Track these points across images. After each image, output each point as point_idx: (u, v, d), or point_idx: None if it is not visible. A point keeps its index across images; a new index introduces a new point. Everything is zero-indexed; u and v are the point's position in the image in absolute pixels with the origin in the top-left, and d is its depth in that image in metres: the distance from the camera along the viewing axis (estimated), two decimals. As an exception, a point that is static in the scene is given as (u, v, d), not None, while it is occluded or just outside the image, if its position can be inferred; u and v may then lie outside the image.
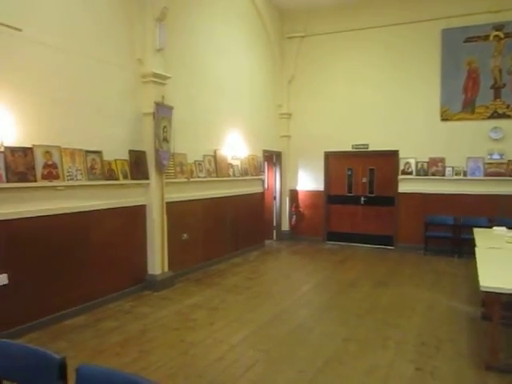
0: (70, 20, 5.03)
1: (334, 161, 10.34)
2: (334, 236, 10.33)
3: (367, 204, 10.01)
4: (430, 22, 9.01)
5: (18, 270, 4.43)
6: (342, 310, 5.40)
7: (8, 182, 4.30)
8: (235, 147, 8.47)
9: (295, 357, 4.06)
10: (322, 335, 4.59)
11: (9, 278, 4.34)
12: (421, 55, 9.20)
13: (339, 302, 5.71)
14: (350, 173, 10.18)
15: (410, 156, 9.35)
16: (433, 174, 9.11)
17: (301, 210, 10.66)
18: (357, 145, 9.92)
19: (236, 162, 8.54)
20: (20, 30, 4.45)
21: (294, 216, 10.63)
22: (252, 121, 9.21)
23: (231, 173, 8.33)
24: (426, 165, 9.20)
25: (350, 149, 10.00)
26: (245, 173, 8.82)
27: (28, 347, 2.29)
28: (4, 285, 4.30)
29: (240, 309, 5.44)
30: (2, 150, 4.29)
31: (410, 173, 9.36)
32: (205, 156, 7.59)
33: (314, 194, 10.51)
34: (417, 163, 9.30)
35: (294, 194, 10.75)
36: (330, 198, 10.40)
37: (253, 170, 9.17)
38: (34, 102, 4.63)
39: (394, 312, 5.32)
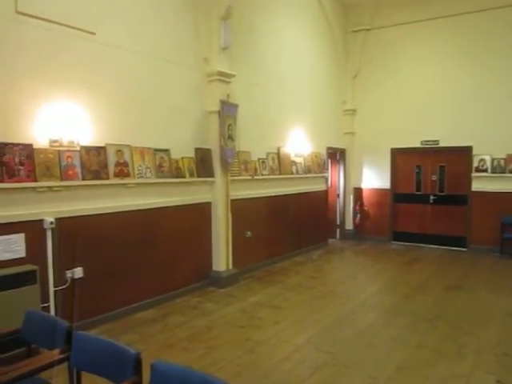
0: (140, 23, 5.18)
1: (401, 158, 9.94)
2: (400, 236, 9.94)
3: (437, 203, 9.52)
4: (509, 8, 8.38)
5: (92, 263, 4.63)
6: (412, 314, 5.15)
7: (83, 179, 4.51)
8: (298, 144, 8.36)
9: (364, 362, 3.92)
10: (391, 340, 4.40)
11: (84, 272, 4.55)
12: (497, 45, 8.57)
13: (408, 306, 5.45)
14: (418, 170, 9.73)
15: (484, 152, 8.76)
16: (510, 172, 8.48)
17: (365, 208, 10.36)
18: (426, 141, 9.46)
19: (299, 160, 8.44)
20: (94, 33, 4.65)
21: (359, 215, 10.34)
22: (315, 117, 9.05)
23: (294, 170, 8.24)
24: (502, 162, 8.58)
25: (418, 145, 9.55)
26: (308, 170, 8.69)
27: (106, 341, 2.35)
28: (80, 277, 4.51)
29: (304, 308, 5.35)
30: (78, 149, 4.50)
31: (485, 170, 8.77)
32: (268, 153, 7.56)
33: (380, 193, 10.16)
34: (492, 160, 8.69)
35: (358, 192, 10.47)
36: (397, 197, 10.01)
37: (316, 167, 9.02)
38: (107, 103, 4.81)
39: (470, 318, 4.99)
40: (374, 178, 10.25)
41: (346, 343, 4.31)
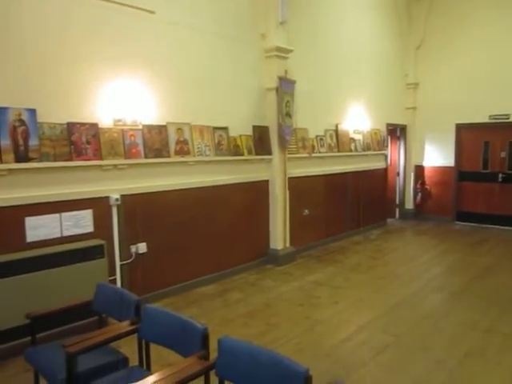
0: (196, 1, 5.14)
1: (466, 134, 9.37)
2: (464, 216, 9.45)
3: (506, 182, 8.92)
4: None
5: (155, 239, 4.76)
6: (480, 297, 4.90)
7: (146, 157, 4.60)
8: (357, 121, 8.10)
9: (430, 345, 3.77)
10: (458, 324, 4.21)
11: (147, 247, 4.69)
12: None
13: (476, 289, 5.19)
14: (485, 147, 9.15)
15: (563, 126, 8.07)
16: None
17: (427, 187, 9.92)
18: (495, 115, 8.84)
19: (358, 137, 8.18)
20: (153, 12, 4.66)
21: (420, 194, 9.93)
22: (375, 92, 8.70)
23: (353, 147, 8.01)
24: None
25: (486, 120, 8.95)
26: (367, 147, 8.42)
27: (174, 315, 2.39)
28: (144, 253, 4.66)
29: (365, 289, 5.24)
30: (141, 127, 4.58)
31: None
32: (326, 130, 7.38)
33: (443, 171, 9.68)
34: None
35: (419, 170, 10.03)
36: (462, 175, 9.49)
37: (375, 144, 8.72)
38: (167, 82, 4.84)
39: (545, 304, 4.68)
40: (437, 156, 9.77)
41: (411, 326, 4.17)
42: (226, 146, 5.50)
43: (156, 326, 2.44)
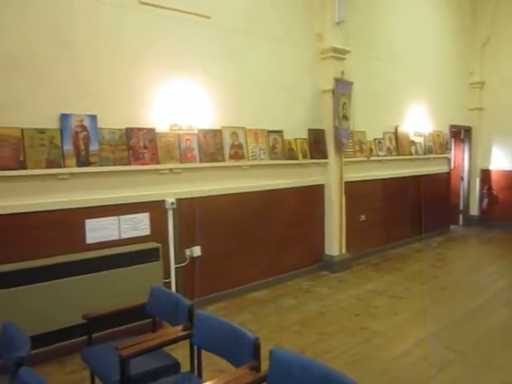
0: (252, 3, 5.13)
1: (539, 135, 8.70)
2: (537, 224, 8.78)
3: None
4: None
5: (209, 243, 4.78)
6: (557, 314, 4.49)
7: (201, 161, 4.63)
8: (418, 123, 7.75)
9: (498, 364, 3.48)
10: (531, 342, 3.87)
11: (202, 251, 4.71)
12: None
13: (551, 304, 4.77)
14: (561, 149, 8.45)
15: None
16: None
17: (494, 192, 9.31)
18: None
19: (419, 139, 7.83)
20: (209, 17, 4.70)
21: (486, 199, 9.34)
22: (437, 93, 8.28)
23: (413, 151, 7.67)
24: None
25: (563, 120, 8.27)
26: (428, 151, 8.04)
27: (226, 322, 2.35)
28: (198, 256, 4.69)
29: (426, 300, 4.96)
30: (196, 132, 4.63)
31: None
32: (385, 133, 7.12)
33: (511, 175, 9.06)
34: None
35: (485, 175, 9.43)
36: (533, 180, 8.83)
37: (437, 147, 8.30)
38: (222, 86, 4.86)
39: None
40: (506, 159, 9.14)
41: (476, 342, 3.89)
42: (281, 150, 5.43)
43: (208, 333, 2.41)
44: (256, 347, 2.15)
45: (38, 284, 3.44)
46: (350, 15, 6.08)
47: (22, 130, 3.54)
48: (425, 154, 7.92)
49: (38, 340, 3.25)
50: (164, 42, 4.37)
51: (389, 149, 7.14)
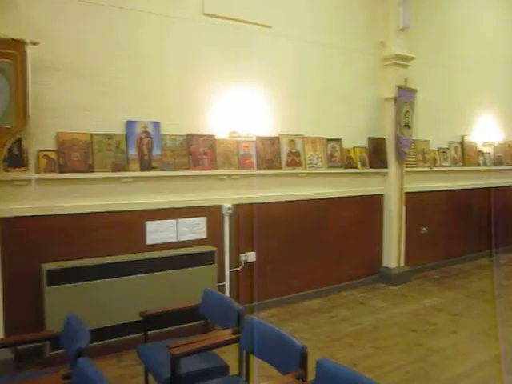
0: (313, 12, 5.14)
1: None
2: None
3: None
4: None
5: (264, 249, 4.81)
6: None
7: (258, 168, 4.70)
8: (487, 132, 7.35)
9: None
10: None
11: (256, 256, 4.76)
12: None
13: None
14: None
15: None
16: None
17: None
18: None
19: (487, 150, 7.42)
20: (270, 26, 4.78)
21: None
22: (509, 99, 7.80)
23: (481, 161, 7.27)
24: None
25: None
26: (498, 162, 7.59)
27: (274, 330, 2.37)
28: (253, 262, 4.74)
29: (490, 320, 4.67)
30: (254, 139, 4.70)
31: None
32: (450, 143, 6.82)
33: None
34: None
35: None
36: None
37: (509, 158, 7.82)
38: (281, 94, 4.90)
39: None
40: None
41: (545, 369, 3.62)
42: (339, 158, 5.37)
43: (256, 339, 2.44)
44: (303, 356, 2.15)
45: (100, 280, 3.65)
46: (414, 20, 5.91)
47: (92, 135, 3.78)
48: (494, 164, 7.48)
49: (97, 333, 3.43)
50: (225, 52, 4.49)
51: (454, 159, 6.83)
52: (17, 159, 3.47)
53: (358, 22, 5.57)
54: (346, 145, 5.48)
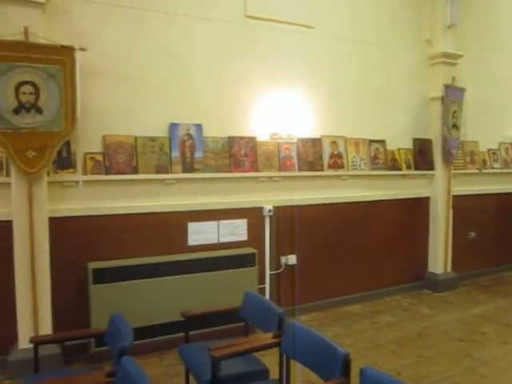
0: (356, 12, 5.05)
1: None
2: None
3: None
4: None
5: (305, 252, 4.76)
6: None
7: (299, 170, 4.66)
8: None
9: None
10: None
11: (297, 259, 4.71)
12: None
13: None
14: None
15: None
16: None
17: None
18: None
19: (543, 151, 7.02)
20: (312, 27, 4.73)
21: None
22: None
23: (535, 164, 6.90)
24: None
25: None
26: (554, 164, 7.17)
27: (315, 334, 2.33)
28: (293, 264, 4.70)
29: (545, 331, 4.43)
30: (295, 141, 4.66)
31: None
32: (501, 144, 6.51)
33: None
34: None
35: None
36: None
37: None
38: (323, 95, 4.84)
39: None
40: None
41: None
42: (383, 160, 5.25)
43: (297, 343, 2.40)
44: (346, 363, 2.09)
45: (143, 280, 3.72)
46: (465, 17, 5.69)
47: (136, 137, 3.87)
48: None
49: (139, 332, 3.48)
50: (267, 54, 4.48)
51: (505, 161, 6.51)
52: (65, 161, 3.60)
53: (400, 19, 5.41)
54: (390, 146, 5.34)
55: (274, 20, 4.48)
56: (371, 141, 5.17)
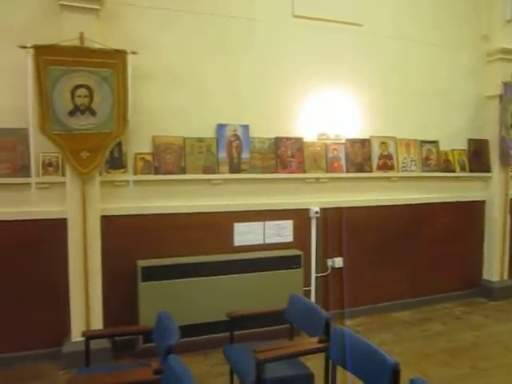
0: (407, 8, 4.89)
1: None
2: None
3: None
4: None
5: (352, 255, 4.65)
6: None
7: (347, 171, 4.57)
8: None
9: None
10: None
11: (344, 262, 4.62)
12: None
13: None
14: None
15: None
16: None
17: None
18: None
19: None
20: (361, 25, 4.63)
21: None
22: None
23: None
24: None
25: None
26: None
27: (364, 342, 2.26)
28: (340, 267, 4.61)
29: None
30: (343, 141, 4.57)
31: None
32: None
33: None
34: None
35: None
36: None
37: None
38: (372, 94, 4.71)
39: None
40: None
41: None
42: (435, 162, 5.05)
43: (344, 350, 2.34)
44: (395, 373, 2.01)
45: (189, 279, 3.77)
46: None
47: (184, 138, 3.94)
48: None
49: (185, 330, 3.52)
50: (314, 54, 4.42)
51: None
52: (117, 161, 3.71)
53: (456, 15, 5.17)
54: (443, 147, 5.13)
55: (322, 19, 4.42)
56: (423, 141, 4.99)
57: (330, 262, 4.58)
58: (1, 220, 3.45)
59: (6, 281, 3.50)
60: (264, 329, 3.81)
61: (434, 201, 5.09)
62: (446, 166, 5.12)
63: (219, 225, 4.09)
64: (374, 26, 4.69)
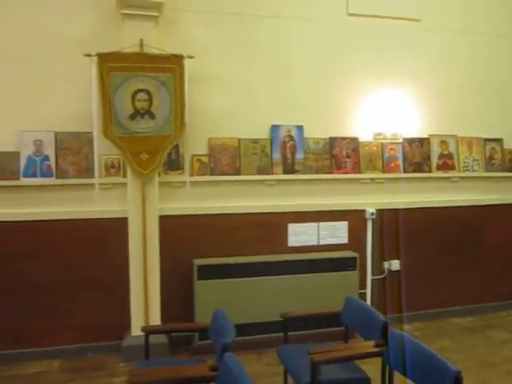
0: (467, 1, 4.67)
1: None
2: None
3: None
4: None
5: (409, 258, 4.51)
6: None
7: (404, 171, 4.45)
8: None
9: None
10: None
11: (401, 265, 4.50)
12: None
13: None
14: None
15: None
16: None
17: None
18: None
19: None
20: (419, 20, 4.48)
21: None
22: None
23: None
24: None
25: None
26: None
27: (423, 348, 2.19)
28: (396, 270, 4.49)
29: None
30: (401, 141, 4.45)
31: None
32: None
33: None
34: None
35: None
36: None
37: None
38: (431, 91, 4.54)
39: None
40: None
41: None
42: (500, 161, 4.79)
43: (403, 356, 2.28)
44: (457, 382, 1.93)
45: (244, 278, 3.83)
46: None
47: (239, 140, 4.00)
48: None
49: (239, 329, 3.56)
50: (370, 52, 4.33)
51: None
52: (174, 163, 3.84)
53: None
54: (508, 145, 4.85)
55: (378, 16, 4.32)
56: (486, 139, 4.76)
57: (386, 265, 4.47)
58: (68, 218, 3.67)
59: (74, 276, 3.70)
60: (318, 330, 3.78)
61: (498, 202, 4.82)
62: (511, 165, 4.84)
63: (273, 225, 4.11)
64: (434, 21, 4.52)
